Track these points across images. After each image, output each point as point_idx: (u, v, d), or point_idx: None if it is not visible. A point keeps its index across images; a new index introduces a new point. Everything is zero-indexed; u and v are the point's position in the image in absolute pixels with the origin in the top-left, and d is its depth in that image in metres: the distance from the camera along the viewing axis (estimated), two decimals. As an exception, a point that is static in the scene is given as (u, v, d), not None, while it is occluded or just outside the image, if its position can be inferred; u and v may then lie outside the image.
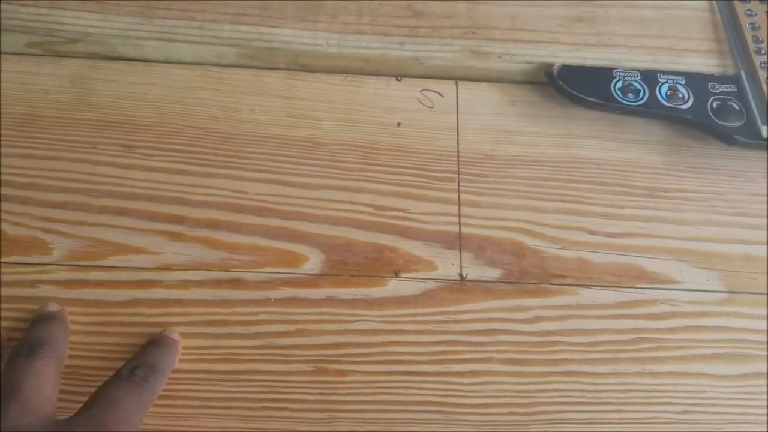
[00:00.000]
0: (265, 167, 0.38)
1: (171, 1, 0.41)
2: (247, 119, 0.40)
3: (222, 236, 0.36)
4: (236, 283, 0.35)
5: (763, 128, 0.39)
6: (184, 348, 0.33)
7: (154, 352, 0.32)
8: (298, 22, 0.41)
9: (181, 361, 0.33)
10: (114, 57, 0.40)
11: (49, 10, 0.40)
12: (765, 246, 0.39)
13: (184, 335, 0.33)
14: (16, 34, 0.39)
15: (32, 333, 0.31)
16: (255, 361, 0.33)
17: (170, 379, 0.32)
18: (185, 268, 0.35)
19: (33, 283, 0.34)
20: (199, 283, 0.35)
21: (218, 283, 0.35)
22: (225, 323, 0.34)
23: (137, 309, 0.34)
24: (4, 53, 0.40)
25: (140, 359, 0.31)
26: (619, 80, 0.41)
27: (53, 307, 0.33)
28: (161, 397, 0.32)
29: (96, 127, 0.38)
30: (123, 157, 0.38)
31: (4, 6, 0.40)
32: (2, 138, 0.37)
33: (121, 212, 0.36)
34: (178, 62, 0.41)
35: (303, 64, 0.41)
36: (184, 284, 0.35)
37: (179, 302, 0.34)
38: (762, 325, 0.37)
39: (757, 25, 0.43)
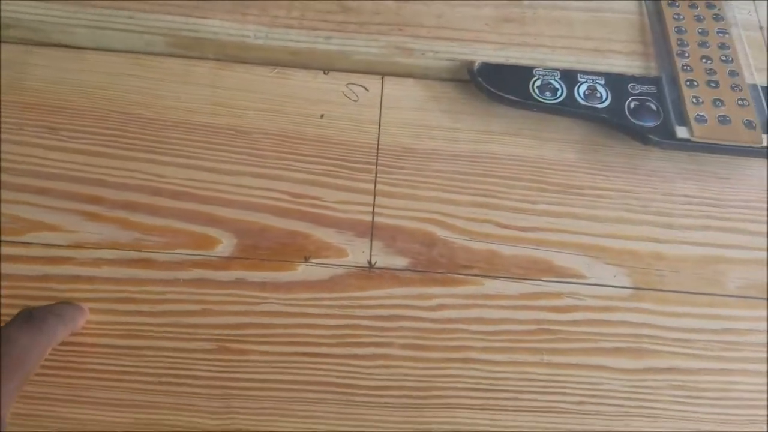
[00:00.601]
0: (186, 153, 0.39)
1: (106, -10, 0.42)
2: (171, 106, 0.41)
3: (138, 218, 0.37)
4: (147, 263, 0.36)
5: (678, 128, 0.40)
6: (90, 323, 0.34)
7: (59, 304, 0.33)
8: (227, 14, 0.43)
9: (84, 335, 0.34)
10: (48, 43, 0.42)
11: (-16, -4, 0.41)
12: (675, 245, 0.39)
13: (91, 311, 0.34)
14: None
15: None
16: (158, 338, 0.34)
17: (73, 351, 0.33)
18: (98, 246, 0.36)
19: (-60, 255, 0.35)
20: (111, 262, 0.36)
21: (129, 263, 0.36)
22: (132, 301, 0.35)
23: (47, 284, 0.35)
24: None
25: (42, 307, 0.31)
26: (539, 79, 0.42)
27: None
28: (63, 368, 0.33)
29: (23, 109, 0.40)
30: (47, 139, 0.39)
31: (-59, -10, 0.41)
32: (-72, 117, 0.38)
33: (41, 191, 0.37)
34: (110, 50, 0.42)
35: (231, 55, 0.42)
36: (96, 262, 0.36)
37: (89, 279, 0.35)
38: (665, 321, 0.37)
39: (683, 29, 0.44)
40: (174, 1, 0.43)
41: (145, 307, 0.35)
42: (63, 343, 0.33)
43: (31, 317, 0.29)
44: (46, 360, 0.33)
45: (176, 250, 0.37)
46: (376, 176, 0.40)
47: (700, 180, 0.42)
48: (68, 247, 0.36)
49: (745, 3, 0.47)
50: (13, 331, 0.28)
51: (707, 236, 0.40)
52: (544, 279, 0.38)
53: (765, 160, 0.42)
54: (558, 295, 0.37)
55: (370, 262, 0.37)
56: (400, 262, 0.37)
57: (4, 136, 0.39)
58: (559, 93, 0.41)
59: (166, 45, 0.42)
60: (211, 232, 0.37)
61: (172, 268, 0.36)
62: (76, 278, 0.35)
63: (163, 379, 0.33)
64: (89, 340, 0.34)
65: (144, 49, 0.42)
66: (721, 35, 0.44)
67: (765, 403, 0.36)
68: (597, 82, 0.42)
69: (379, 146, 0.41)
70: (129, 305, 0.35)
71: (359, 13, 0.44)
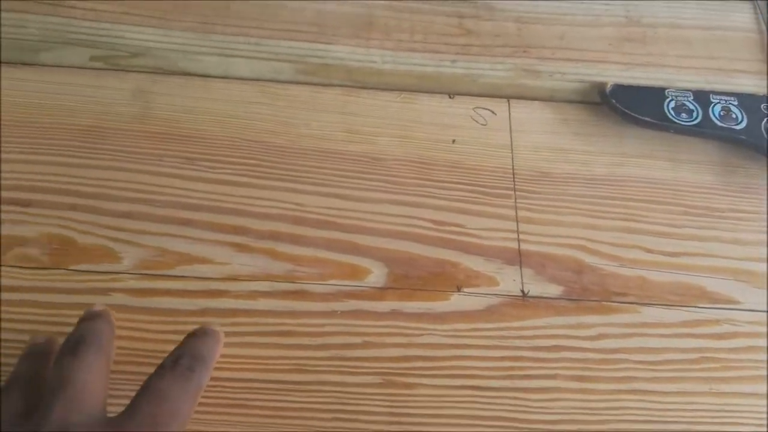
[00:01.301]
0: (323, 181, 0.38)
1: (228, 17, 0.42)
2: (303, 133, 0.40)
3: (285, 248, 0.36)
4: (303, 295, 0.35)
5: (820, 148, 0.39)
6: (257, 358, 0.33)
7: (196, 342, 0.30)
8: (351, 38, 0.42)
9: (253, 371, 0.33)
10: (174, 71, 0.41)
11: (112, 24, 0.40)
12: (821, 266, 0.39)
13: (254, 345, 0.33)
14: (80, 48, 0.40)
15: (77, 331, 0.29)
16: (323, 373, 0.33)
17: (244, 388, 0.32)
18: (252, 278, 0.35)
19: (105, 291, 0.34)
20: (267, 294, 0.35)
21: (285, 295, 0.35)
22: (293, 334, 0.34)
23: (207, 318, 0.34)
24: (70, 66, 0.40)
25: (182, 349, 0.29)
26: (672, 100, 0.41)
27: (98, 307, 0.31)
28: (235, 406, 0.32)
29: (158, 139, 0.39)
30: (186, 169, 0.38)
31: (69, 21, 0.40)
32: (70, 149, 0.37)
33: (185, 223, 0.36)
34: (236, 77, 0.41)
35: (357, 81, 0.42)
36: (252, 295, 0.35)
37: (248, 312, 0.34)
38: (824, 344, 0.36)
39: (804, 48, 0.44)
40: (297, 27, 0.42)
41: (306, 341, 0.34)
42: (234, 380, 0.32)
43: (176, 365, 0.28)
44: (220, 397, 0.32)
45: (329, 281, 0.35)
46: (515, 202, 0.39)
47: (837, 200, 0.41)
48: (222, 279, 0.35)
49: None
50: (163, 385, 0.27)
51: None
52: (700, 306, 0.37)
53: None
54: (716, 321, 0.36)
55: (523, 291, 0.36)
56: (553, 290, 0.37)
57: (143, 167, 0.38)
58: (694, 114, 0.40)
59: (294, 72, 0.41)
60: (360, 261, 0.36)
61: (327, 300, 0.35)
62: (235, 311, 0.34)
63: (336, 416, 0.32)
64: (257, 376, 0.33)
65: (271, 76, 0.41)
66: None
67: None
68: (730, 103, 0.41)
69: (515, 171, 0.40)
70: (290, 338, 0.34)
71: (480, 35, 0.43)
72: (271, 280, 0.35)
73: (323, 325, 0.34)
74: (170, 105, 0.40)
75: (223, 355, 0.33)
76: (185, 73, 0.41)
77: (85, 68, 0.41)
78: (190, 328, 0.33)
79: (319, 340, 0.34)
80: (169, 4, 0.41)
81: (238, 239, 0.36)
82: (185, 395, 0.27)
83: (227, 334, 0.33)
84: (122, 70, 0.41)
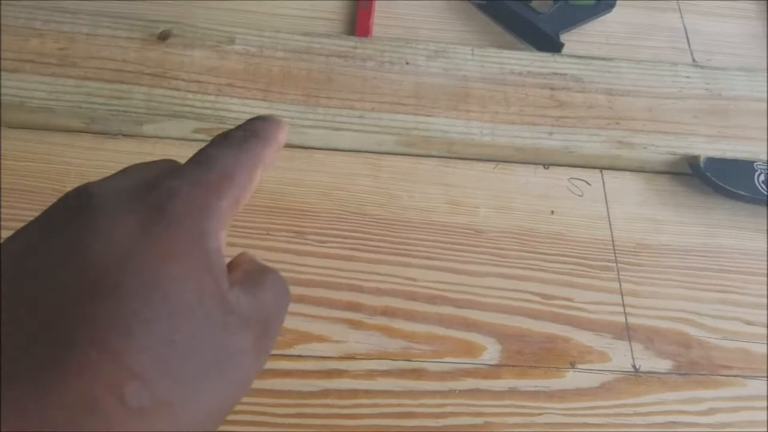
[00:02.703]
0: (431, 254, 0.39)
1: (330, 90, 0.42)
2: (407, 205, 0.40)
3: (399, 324, 0.37)
4: (420, 374, 0.35)
5: None
6: (378, 441, 0.33)
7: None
8: (450, 110, 0.43)
9: (378, 455, 0.33)
10: (276, 143, 0.41)
11: (216, 97, 0.41)
12: None
13: (376, 427, 0.33)
14: (185, 120, 0.40)
15: (251, 125, 0.23)
16: (450, 456, 0.33)
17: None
18: (369, 357, 0.35)
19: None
20: (384, 373, 0.35)
21: (402, 373, 0.35)
22: (414, 415, 0.34)
23: (327, 400, 0.34)
24: (173, 138, 0.41)
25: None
26: (761, 173, 0.42)
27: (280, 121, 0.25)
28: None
29: (266, 213, 0.39)
30: (295, 243, 0.38)
31: (173, 93, 0.41)
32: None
33: (299, 299, 0.37)
34: (338, 149, 0.42)
35: (455, 152, 0.43)
36: (370, 374, 0.35)
37: (367, 393, 0.34)
38: None
39: None
40: (398, 100, 0.43)
41: (429, 422, 0.34)
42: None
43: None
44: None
45: (445, 359, 0.36)
46: (618, 274, 0.40)
47: None
48: (340, 358, 0.35)
49: None
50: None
51: None
52: (804, 378, 0.38)
53: None
54: (821, 395, 0.37)
55: (635, 366, 0.37)
56: (664, 365, 0.37)
57: (253, 241, 0.38)
58: (785, 187, 0.42)
59: (396, 144, 0.42)
60: (474, 338, 0.37)
61: (445, 378, 0.35)
62: (355, 392, 0.34)
63: (467, 501, 0.32)
64: (383, 459, 0.33)
65: (373, 148, 0.42)
66: None
67: None
68: (817, 175, 0.42)
69: (615, 243, 0.41)
70: (412, 420, 0.34)
71: (573, 107, 0.44)
72: (388, 358, 0.35)
73: (443, 405, 0.34)
74: (275, 178, 0.40)
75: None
76: (290, 145, 0.41)
77: (188, 140, 0.41)
78: (312, 411, 0.33)
79: (441, 422, 0.34)
80: (272, 76, 0.42)
81: (352, 315, 0.36)
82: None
83: (348, 416, 0.34)
84: (227, 142, 0.41)
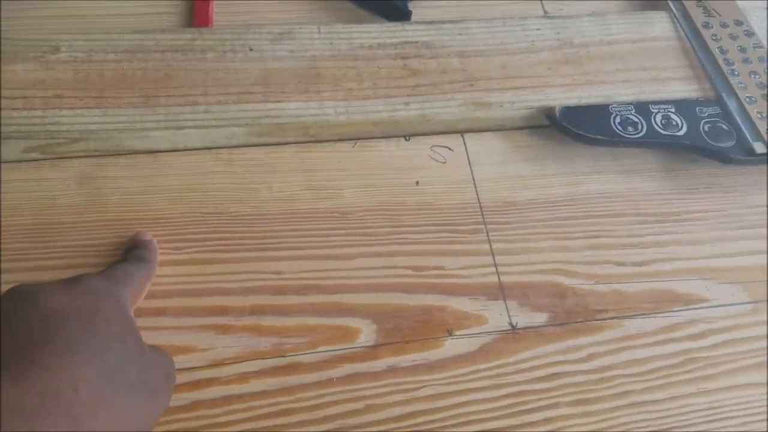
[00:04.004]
0: (296, 244, 0.38)
1: (169, 88, 0.40)
2: (268, 198, 0.39)
3: (269, 321, 0.35)
4: (294, 368, 0.34)
5: (755, 144, 0.42)
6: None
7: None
8: (301, 93, 0.41)
9: (257, 460, 0.31)
10: (119, 152, 0.39)
11: (44, 111, 0.38)
12: (774, 253, 0.41)
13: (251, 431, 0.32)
14: (11, 141, 0.37)
15: (133, 254, 0.34)
16: (333, 447, 0.32)
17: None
18: (239, 360, 0.34)
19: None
20: (257, 374, 0.34)
21: (275, 371, 0.34)
22: (291, 412, 0.33)
23: (198, 411, 0.32)
24: (4, 162, 0.38)
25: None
26: (617, 115, 0.43)
27: (146, 236, 0.36)
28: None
29: (112, 227, 0.37)
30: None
31: (-5, 112, 0.37)
32: (17, 252, 0.35)
33: (161, 312, 0.35)
34: (186, 149, 0.40)
35: (312, 135, 0.41)
36: (242, 377, 0.33)
37: (241, 397, 0.33)
38: (790, 328, 0.39)
39: (725, 49, 0.47)
40: (245, 89, 0.41)
41: (306, 416, 0.33)
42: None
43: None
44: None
45: (319, 348, 0.35)
46: (488, 235, 0.39)
47: (774, 188, 0.44)
48: (208, 366, 0.33)
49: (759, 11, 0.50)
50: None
51: (798, 240, 0.42)
52: (675, 309, 0.38)
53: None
54: (692, 322, 0.38)
55: (512, 324, 0.37)
56: (539, 318, 0.37)
57: (99, 259, 0.36)
58: (639, 127, 0.42)
59: (247, 135, 0.40)
60: (348, 322, 0.36)
61: (321, 368, 0.34)
62: (227, 399, 0.33)
63: (355, 490, 0.31)
64: (263, 464, 0.31)
65: (224, 143, 0.40)
66: (758, 50, 0.47)
67: None
68: (669, 111, 0.43)
69: (481, 204, 0.41)
70: (290, 417, 0.33)
71: (427, 75, 0.44)
72: (260, 358, 0.34)
73: (321, 396, 0.33)
74: (121, 188, 0.38)
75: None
76: (132, 151, 0.39)
77: (20, 162, 0.38)
78: (185, 426, 0.32)
79: (320, 413, 0.33)
80: (105, 81, 0.40)
81: (218, 320, 0.35)
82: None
83: (222, 424, 0.32)
84: (62, 158, 0.38)
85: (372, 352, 0.35)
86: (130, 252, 0.34)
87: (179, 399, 0.32)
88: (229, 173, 0.39)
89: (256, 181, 0.39)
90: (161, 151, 0.40)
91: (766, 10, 0.52)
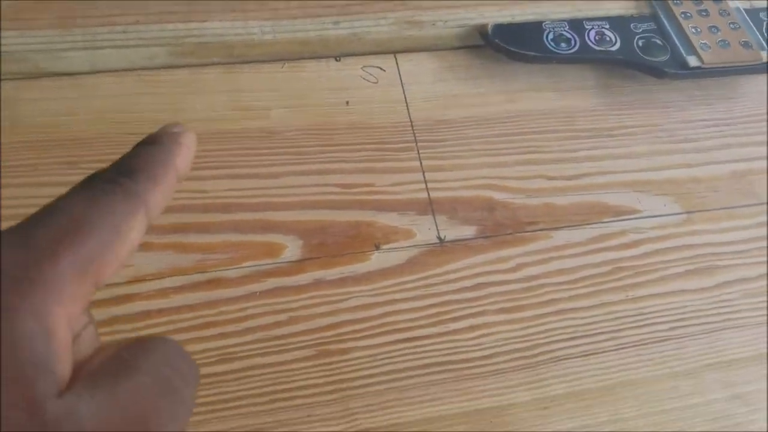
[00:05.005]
0: (223, 164, 0.37)
1: (87, 8, 0.39)
2: (192, 118, 0.38)
3: (193, 239, 0.35)
4: (217, 283, 0.34)
5: (689, 58, 0.42)
6: (176, 357, 0.32)
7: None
8: (226, 13, 0.40)
9: (176, 370, 0.31)
10: (38, 74, 0.38)
11: (-44, 32, 0.37)
12: (706, 166, 0.41)
13: (173, 345, 0.32)
14: None
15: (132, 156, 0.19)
16: (253, 357, 0.32)
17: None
18: (160, 276, 0.33)
19: None
20: (179, 289, 0.33)
21: (197, 286, 0.34)
22: (214, 324, 0.33)
23: (118, 326, 0.32)
24: None
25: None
26: (550, 32, 0.42)
27: (177, 128, 0.21)
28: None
29: (36, 149, 0.36)
30: (70, 175, 0.35)
31: None
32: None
33: (79, 231, 0.34)
34: (108, 70, 0.39)
35: (238, 56, 0.40)
36: (163, 292, 0.33)
37: (161, 312, 0.33)
38: (721, 237, 0.39)
39: (660, -36, 0.46)
40: (167, 8, 0.40)
41: (229, 328, 0.33)
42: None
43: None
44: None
45: (243, 264, 0.34)
46: (418, 153, 0.39)
47: (710, 103, 0.44)
48: (128, 283, 0.33)
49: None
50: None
51: (731, 153, 0.42)
52: (605, 220, 0.39)
53: (764, 75, 0.44)
54: (622, 232, 0.38)
55: (440, 237, 0.37)
56: (468, 231, 0.37)
57: (22, 179, 0.35)
58: (572, 43, 0.42)
59: (169, 55, 0.39)
60: (274, 238, 0.35)
61: (244, 283, 0.34)
62: (147, 313, 0.32)
63: (274, 397, 0.31)
64: (182, 374, 0.31)
65: (146, 64, 0.39)
66: (696, -34, 0.46)
67: (829, 292, 0.38)
68: (603, 27, 0.43)
69: (413, 123, 0.40)
70: (212, 329, 0.33)
71: (358, -6, 0.43)
72: (182, 274, 0.34)
73: (244, 309, 0.33)
74: (44, 110, 0.37)
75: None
76: (52, 73, 0.38)
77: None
78: (102, 339, 0.31)
79: (243, 325, 0.33)
80: (20, 4, 0.38)
81: (140, 237, 0.34)
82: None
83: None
84: (-21, 81, 0.37)
85: (297, 266, 0.35)
86: (116, 164, 0.18)
87: (98, 314, 0.32)
88: (153, 95, 0.39)
89: (181, 102, 0.39)
90: (83, 73, 0.38)
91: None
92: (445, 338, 0.34)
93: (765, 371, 0.36)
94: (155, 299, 0.33)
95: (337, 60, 0.42)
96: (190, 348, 0.32)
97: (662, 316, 0.36)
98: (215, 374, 0.31)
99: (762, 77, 0.45)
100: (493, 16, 0.43)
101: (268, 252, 0.35)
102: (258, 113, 0.39)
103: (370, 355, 0.33)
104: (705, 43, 0.42)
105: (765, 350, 0.37)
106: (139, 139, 0.20)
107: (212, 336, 0.32)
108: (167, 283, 0.33)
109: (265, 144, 0.38)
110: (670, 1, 0.44)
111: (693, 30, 0.43)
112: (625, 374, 0.35)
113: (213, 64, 0.40)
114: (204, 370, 0.31)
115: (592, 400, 0.34)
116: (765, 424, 0.35)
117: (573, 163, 0.40)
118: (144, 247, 0.34)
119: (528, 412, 0.33)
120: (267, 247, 0.35)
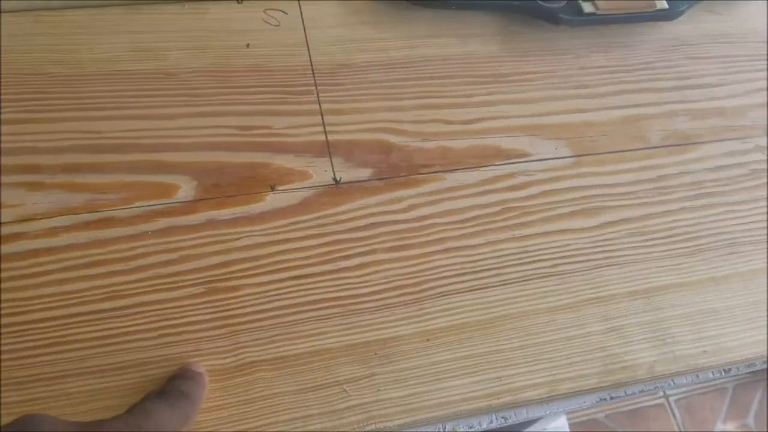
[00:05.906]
0: (117, 104, 0.37)
1: (-23, -56, 0.38)
2: (89, 59, 0.38)
3: (84, 179, 0.35)
4: (107, 222, 0.34)
5: (584, 4, 0.43)
6: (66, 293, 0.32)
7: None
8: (124, -47, 0.40)
9: (64, 307, 0.32)
10: None
11: None
12: (599, 111, 0.43)
13: (61, 282, 0.32)
14: None
15: (175, 385, 0.30)
16: (142, 294, 0.33)
17: (58, 326, 0.31)
18: (50, 215, 0.34)
19: None
20: (68, 228, 0.34)
21: (87, 225, 0.34)
22: (103, 263, 0.33)
23: (6, 264, 0.32)
24: None
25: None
26: (452, -23, 0.43)
27: (198, 368, 0.32)
28: (51, 345, 0.31)
29: None
30: (-44, 115, 0.35)
31: None
32: None
33: (-34, 171, 0.34)
34: (5, 10, 0.38)
35: (138, -3, 0.40)
36: (52, 231, 0.33)
37: (49, 250, 0.33)
38: (608, 180, 0.41)
39: None
40: (60, -53, 0.39)
41: (118, 267, 0.33)
42: (45, 320, 0.31)
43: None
44: (33, 340, 0.31)
45: (135, 204, 0.35)
46: (318, 96, 0.40)
47: (607, 51, 0.45)
48: (17, 221, 0.33)
49: None
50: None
51: (624, 99, 0.44)
52: (497, 163, 0.40)
53: (658, 23, 0.46)
54: (512, 175, 0.40)
55: (335, 179, 0.38)
56: (363, 173, 0.38)
57: None
58: (473, -12, 0.42)
59: (64, -5, 0.38)
60: (167, 179, 0.36)
61: (135, 223, 0.34)
62: (36, 252, 0.33)
63: (162, 332, 0.32)
64: (72, 311, 0.32)
65: (44, 5, 0.38)
66: None
67: (704, 233, 0.40)
68: (504, -27, 0.43)
69: (314, 67, 0.40)
70: (100, 268, 0.33)
71: (260, -64, 0.42)
72: (72, 213, 0.34)
73: (135, 248, 0.34)
74: (-73, 48, 0.36)
75: (29, 297, 0.32)
76: (-63, 11, 0.37)
77: None
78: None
79: (133, 264, 0.34)
80: None
81: (29, 178, 0.34)
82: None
83: (29, 275, 0.32)
84: None
85: (190, 206, 0.35)
86: (173, 385, 0.30)
87: (-16, 253, 0.32)
88: (51, 35, 0.38)
89: (79, 42, 0.38)
90: (-29, 12, 0.38)
91: None
92: (335, 276, 0.35)
93: (641, 306, 0.39)
94: (43, 238, 0.33)
95: (239, 2, 0.41)
96: (76, 287, 0.32)
97: (546, 253, 0.38)
98: (102, 311, 0.32)
99: (658, 25, 0.46)
100: (398, -39, 0.43)
101: (162, 192, 0.35)
102: (156, 54, 0.39)
103: (260, 292, 0.34)
104: (602, -8, 0.43)
105: (643, 286, 0.39)
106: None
107: (100, 274, 0.33)
108: (56, 222, 0.34)
109: (161, 85, 0.38)
110: (572, -51, 0.45)
111: (591, -22, 0.44)
112: (507, 308, 0.37)
113: (112, 5, 0.39)
114: (90, 307, 0.32)
115: (472, 332, 0.36)
116: (638, 356, 0.38)
117: (469, 108, 0.41)
118: (34, 186, 0.34)
119: (411, 344, 0.35)
120: (160, 188, 0.35)
